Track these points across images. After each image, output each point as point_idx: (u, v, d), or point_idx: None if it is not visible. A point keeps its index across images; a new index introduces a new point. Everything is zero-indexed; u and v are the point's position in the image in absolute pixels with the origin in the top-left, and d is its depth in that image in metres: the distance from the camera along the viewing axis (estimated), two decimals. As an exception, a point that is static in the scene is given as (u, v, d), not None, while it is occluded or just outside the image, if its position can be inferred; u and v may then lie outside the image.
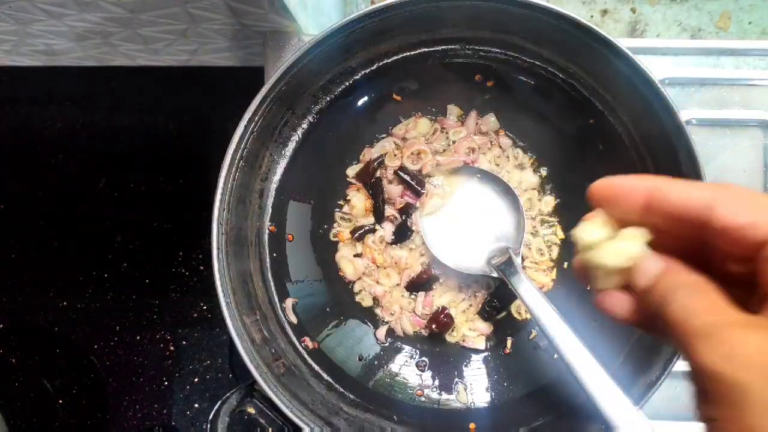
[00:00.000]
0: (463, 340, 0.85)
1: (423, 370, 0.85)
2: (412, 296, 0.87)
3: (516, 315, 0.86)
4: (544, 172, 0.87)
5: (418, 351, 0.86)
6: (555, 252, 0.86)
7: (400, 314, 0.87)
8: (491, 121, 0.87)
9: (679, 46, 0.87)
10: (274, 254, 0.84)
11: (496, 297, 0.86)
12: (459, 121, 0.88)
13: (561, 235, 0.86)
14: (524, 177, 0.86)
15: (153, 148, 1.01)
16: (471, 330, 0.86)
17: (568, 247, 0.86)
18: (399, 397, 0.84)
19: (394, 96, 0.86)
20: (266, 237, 0.83)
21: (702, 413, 0.33)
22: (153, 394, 0.96)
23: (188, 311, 0.97)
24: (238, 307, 0.74)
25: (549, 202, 0.86)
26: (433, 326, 0.84)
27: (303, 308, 0.84)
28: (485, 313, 0.86)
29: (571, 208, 0.85)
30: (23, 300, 0.98)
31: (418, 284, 0.86)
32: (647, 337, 0.77)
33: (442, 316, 0.84)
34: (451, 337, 0.86)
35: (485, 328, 0.86)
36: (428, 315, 0.86)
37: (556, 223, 0.86)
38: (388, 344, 0.86)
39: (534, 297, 0.66)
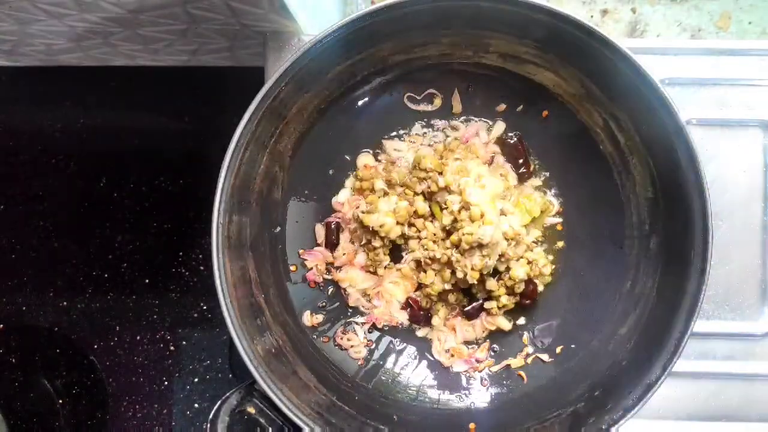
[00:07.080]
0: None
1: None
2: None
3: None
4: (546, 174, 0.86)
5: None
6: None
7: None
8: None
9: (679, 46, 0.87)
10: (274, 254, 0.84)
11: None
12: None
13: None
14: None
15: (153, 148, 1.01)
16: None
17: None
18: (399, 397, 0.84)
19: (394, 96, 0.86)
20: (266, 237, 0.83)
21: None
22: (153, 394, 0.96)
23: (188, 311, 0.97)
24: (238, 307, 0.74)
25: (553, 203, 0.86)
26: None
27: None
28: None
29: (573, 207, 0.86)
30: (23, 300, 0.98)
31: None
32: (647, 338, 0.77)
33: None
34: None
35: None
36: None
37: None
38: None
39: None
